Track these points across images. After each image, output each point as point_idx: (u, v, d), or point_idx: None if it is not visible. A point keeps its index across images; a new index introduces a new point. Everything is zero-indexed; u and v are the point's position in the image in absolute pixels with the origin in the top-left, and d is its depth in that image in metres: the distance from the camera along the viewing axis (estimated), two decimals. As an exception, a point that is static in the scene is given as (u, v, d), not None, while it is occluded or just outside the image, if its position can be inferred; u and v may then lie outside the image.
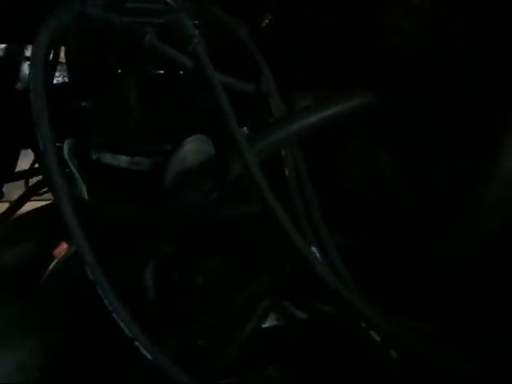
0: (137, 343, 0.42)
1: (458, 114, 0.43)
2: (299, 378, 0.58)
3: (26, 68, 0.78)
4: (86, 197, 0.54)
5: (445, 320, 0.48)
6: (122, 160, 0.57)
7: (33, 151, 0.74)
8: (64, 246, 0.55)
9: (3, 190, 0.85)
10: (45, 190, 0.84)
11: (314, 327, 0.54)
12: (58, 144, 0.49)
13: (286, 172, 0.49)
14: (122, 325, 0.41)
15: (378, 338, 0.44)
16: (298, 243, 0.44)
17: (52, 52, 0.59)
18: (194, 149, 0.55)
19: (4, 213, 0.86)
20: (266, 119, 0.53)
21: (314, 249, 0.45)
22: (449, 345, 0.46)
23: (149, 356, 0.42)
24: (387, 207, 0.46)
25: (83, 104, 0.53)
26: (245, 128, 0.56)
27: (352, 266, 0.45)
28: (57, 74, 0.65)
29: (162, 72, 0.53)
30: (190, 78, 0.51)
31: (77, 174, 0.54)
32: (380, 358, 0.44)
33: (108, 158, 0.56)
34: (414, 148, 0.49)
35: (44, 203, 0.70)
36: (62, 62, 0.62)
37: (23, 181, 0.88)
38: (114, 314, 0.41)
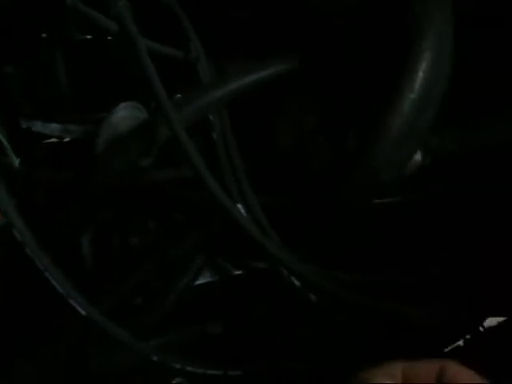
0: (70, 300, 0.44)
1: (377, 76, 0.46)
2: (235, 331, 0.62)
3: None
4: (17, 165, 0.54)
5: (366, 270, 0.53)
6: (54, 128, 0.57)
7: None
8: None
9: None
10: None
11: (247, 281, 0.58)
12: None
13: (214, 136, 0.52)
14: (54, 283, 0.43)
15: (299, 285, 0.48)
16: (224, 201, 0.47)
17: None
18: (126, 115, 0.56)
19: None
20: (194, 85, 0.55)
21: (239, 206, 0.48)
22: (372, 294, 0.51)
23: (83, 312, 0.44)
24: (308, 167, 0.50)
25: (9, 70, 0.53)
26: (178, 95, 0.58)
27: (276, 223, 0.49)
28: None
29: (89, 37, 0.53)
30: (117, 43, 0.52)
31: (5, 143, 0.54)
32: (302, 304, 0.49)
33: (39, 127, 0.57)
34: (335, 112, 0.53)
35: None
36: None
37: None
38: (47, 273, 0.43)
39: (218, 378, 0.57)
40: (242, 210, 0.48)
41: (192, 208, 0.53)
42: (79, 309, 0.44)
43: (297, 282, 0.49)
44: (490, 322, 0.57)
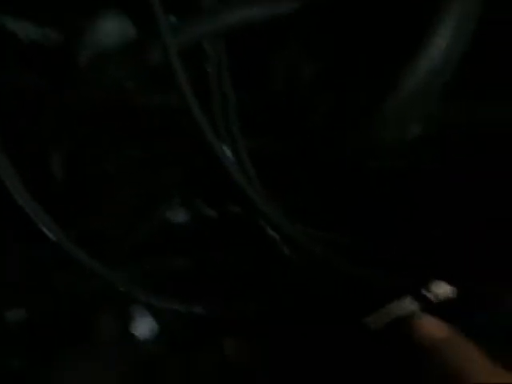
0: (40, 225, 0.42)
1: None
2: (204, 270, 0.62)
3: None
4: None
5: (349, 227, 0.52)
6: (29, 29, 0.52)
7: None
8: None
9: None
10: None
11: (222, 225, 0.57)
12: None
13: (208, 67, 0.48)
14: (22, 204, 0.40)
15: (275, 235, 0.47)
16: (210, 137, 0.44)
17: None
18: (114, 29, 0.51)
19: None
20: (195, 9, 0.50)
21: (225, 147, 0.46)
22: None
23: (52, 237, 0.42)
24: (301, 113, 0.48)
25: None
26: (172, 16, 0.53)
27: (261, 169, 0.47)
28: None
29: None
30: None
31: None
32: (276, 255, 0.49)
33: (12, 24, 0.51)
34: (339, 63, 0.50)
35: None
36: None
37: None
38: (16, 197, 0.40)
39: (179, 313, 0.57)
40: (228, 152, 0.46)
41: (175, 141, 0.50)
42: (48, 234, 0.42)
43: (272, 233, 0.49)
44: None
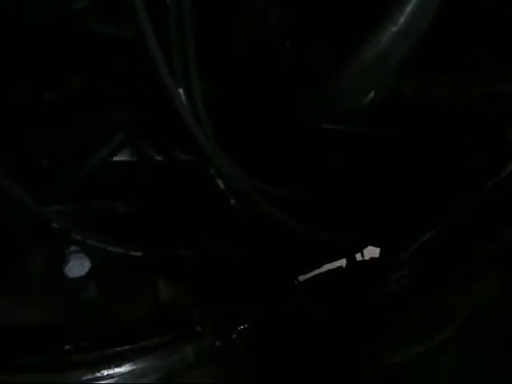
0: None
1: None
2: (144, 214, 0.61)
3: None
4: None
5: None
6: None
7: None
8: None
9: None
10: None
11: (167, 172, 0.55)
12: None
13: (168, 2, 0.45)
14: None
15: (222, 186, 0.47)
16: (167, 80, 0.42)
17: None
18: None
19: None
20: None
21: (181, 91, 0.44)
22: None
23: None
24: (263, 65, 0.47)
25: None
26: None
27: (216, 117, 0.46)
28: None
29: None
30: None
31: None
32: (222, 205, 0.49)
33: None
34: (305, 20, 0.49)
35: None
36: None
37: None
38: None
39: (117, 256, 0.56)
40: (183, 96, 0.44)
41: (125, 76, 0.47)
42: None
43: (220, 182, 0.48)
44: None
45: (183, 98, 0.44)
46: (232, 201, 0.48)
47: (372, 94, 0.45)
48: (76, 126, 0.47)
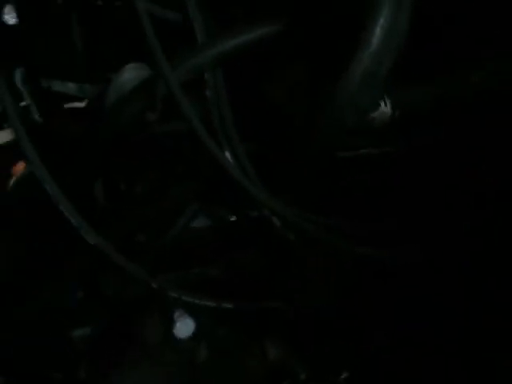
0: (81, 231, 0.52)
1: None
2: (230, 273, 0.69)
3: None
4: (40, 120, 0.62)
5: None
6: (71, 87, 0.65)
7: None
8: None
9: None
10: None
11: (239, 227, 0.64)
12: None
13: (208, 93, 0.58)
14: (67, 214, 0.51)
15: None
16: (212, 149, 0.53)
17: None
18: (132, 75, 0.63)
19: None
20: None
21: (227, 153, 0.55)
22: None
23: (91, 241, 0.52)
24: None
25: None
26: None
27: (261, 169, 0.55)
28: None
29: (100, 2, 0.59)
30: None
31: (29, 100, 0.62)
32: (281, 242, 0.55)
33: (58, 86, 0.64)
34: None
35: None
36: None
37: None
38: (60, 206, 0.51)
39: (213, 311, 0.64)
40: (229, 158, 0.55)
41: (188, 158, 0.60)
42: (88, 238, 0.52)
43: (281, 225, 0.55)
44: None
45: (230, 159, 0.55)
46: (291, 236, 0.54)
47: (386, 111, 0.50)
48: (157, 205, 0.60)
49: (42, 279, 0.62)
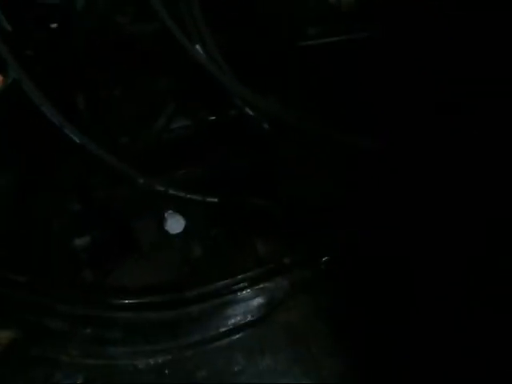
0: (65, 129, 0.54)
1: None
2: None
3: None
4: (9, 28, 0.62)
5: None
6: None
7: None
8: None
9: None
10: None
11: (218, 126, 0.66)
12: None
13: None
14: (49, 115, 0.53)
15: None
16: (183, 42, 0.54)
17: None
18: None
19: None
20: None
21: (197, 46, 0.56)
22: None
23: (76, 140, 0.55)
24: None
25: None
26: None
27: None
28: None
29: None
30: None
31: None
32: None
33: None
34: None
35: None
36: None
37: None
38: (42, 108, 0.52)
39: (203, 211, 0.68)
40: (200, 50, 0.56)
41: (161, 56, 0.60)
42: (74, 137, 0.55)
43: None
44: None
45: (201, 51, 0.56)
46: (265, 125, 0.57)
47: None
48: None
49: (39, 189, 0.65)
